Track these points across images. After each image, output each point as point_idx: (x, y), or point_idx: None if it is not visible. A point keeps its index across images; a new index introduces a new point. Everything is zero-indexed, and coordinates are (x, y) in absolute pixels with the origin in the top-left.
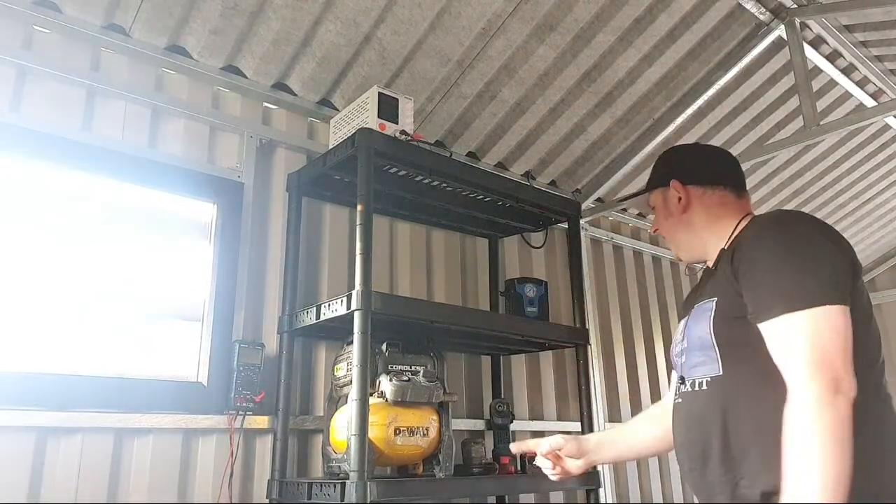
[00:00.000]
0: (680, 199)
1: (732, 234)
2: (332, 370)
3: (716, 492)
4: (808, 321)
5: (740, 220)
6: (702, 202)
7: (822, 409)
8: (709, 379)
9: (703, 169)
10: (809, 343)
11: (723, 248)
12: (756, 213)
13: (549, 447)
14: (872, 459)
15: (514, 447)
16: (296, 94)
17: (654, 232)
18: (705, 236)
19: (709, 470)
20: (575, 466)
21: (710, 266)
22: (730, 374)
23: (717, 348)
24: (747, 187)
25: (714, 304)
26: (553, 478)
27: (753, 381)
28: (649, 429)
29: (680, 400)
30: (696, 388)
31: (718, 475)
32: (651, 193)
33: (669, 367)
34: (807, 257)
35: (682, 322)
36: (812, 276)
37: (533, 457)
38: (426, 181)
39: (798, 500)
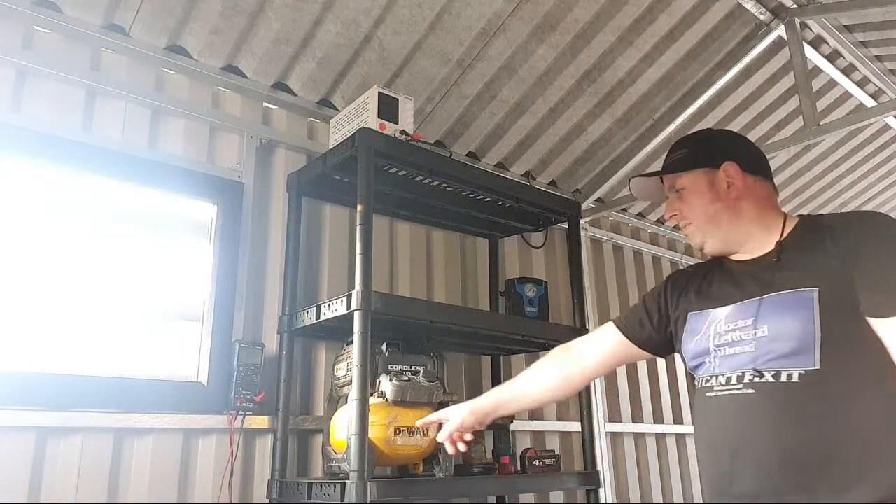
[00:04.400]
0: (730, 184)
1: (784, 229)
2: (332, 370)
3: (804, 496)
4: None
5: (785, 218)
6: (753, 192)
7: None
8: (802, 372)
9: (757, 159)
10: None
11: (780, 242)
12: None
13: (449, 432)
14: None
15: (420, 422)
16: (296, 94)
17: (671, 217)
18: (752, 228)
19: (789, 472)
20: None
21: (757, 258)
22: (828, 369)
23: (818, 340)
24: None
25: (816, 293)
26: (462, 449)
27: (862, 379)
28: (547, 378)
29: (752, 391)
30: (785, 380)
31: (812, 481)
32: (685, 174)
33: (673, 363)
34: None
35: (730, 311)
36: None
37: (533, 457)
38: (426, 181)
39: None
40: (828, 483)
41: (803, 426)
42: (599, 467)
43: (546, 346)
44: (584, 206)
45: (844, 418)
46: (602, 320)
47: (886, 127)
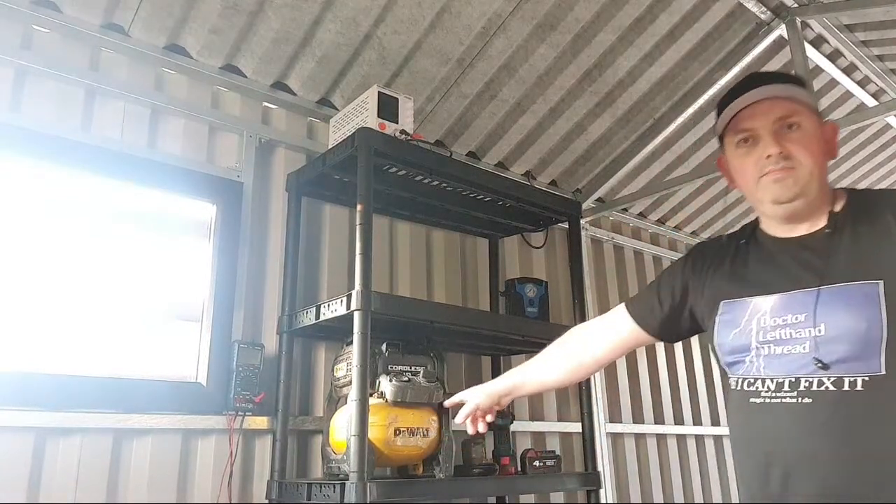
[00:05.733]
0: (832, 146)
1: (834, 205)
2: (332, 370)
3: None
4: None
5: (833, 192)
6: (830, 156)
7: None
8: (866, 378)
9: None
10: None
11: (831, 221)
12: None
13: (466, 414)
14: None
15: (447, 402)
16: (295, 94)
17: (775, 154)
18: (823, 198)
19: (855, 490)
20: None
21: (807, 236)
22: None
23: (884, 342)
24: None
25: (881, 288)
26: (482, 430)
27: None
28: (561, 364)
29: (809, 400)
30: (845, 389)
31: (870, 496)
32: (801, 109)
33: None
34: None
35: (774, 301)
36: None
37: (533, 457)
38: (426, 181)
39: None
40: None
41: (870, 441)
42: (600, 468)
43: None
44: (584, 206)
45: None
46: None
47: (887, 126)
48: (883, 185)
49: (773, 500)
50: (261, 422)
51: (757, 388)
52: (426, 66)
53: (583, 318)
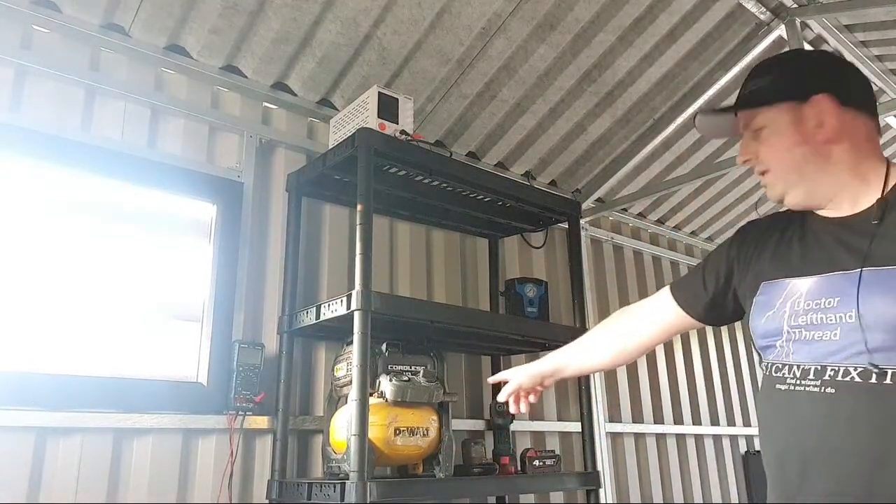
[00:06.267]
0: (821, 122)
1: (888, 181)
2: (332, 370)
3: None
4: None
5: (888, 167)
6: (850, 133)
7: None
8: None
9: (861, 88)
10: None
11: (881, 200)
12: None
13: (509, 393)
14: None
15: (491, 379)
16: (296, 94)
17: (744, 161)
18: (845, 178)
19: (879, 487)
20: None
21: (849, 217)
22: None
23: None
24: (743, 190)
25: None
26: (523, 410)
27: None
28: (605, 349)
29: (832, 390)
30: (875, 381)
31: (893, 496)
32: (763, 110)
33: (672, 363)
34: None
35: (815, 283)
36: None
37: (533, 457)
38: (426, 181)
39: None
40: None
41: (893, 436)
42: (599, 467)
43: (546, 347)
44: (584, 206)
45: None
46: (602, 320)
47: (887, 127)
48: None
49: (791, 492)
50: (261, 421)
51: (784, 374)
52: (426, 67)
53: (582, 318)
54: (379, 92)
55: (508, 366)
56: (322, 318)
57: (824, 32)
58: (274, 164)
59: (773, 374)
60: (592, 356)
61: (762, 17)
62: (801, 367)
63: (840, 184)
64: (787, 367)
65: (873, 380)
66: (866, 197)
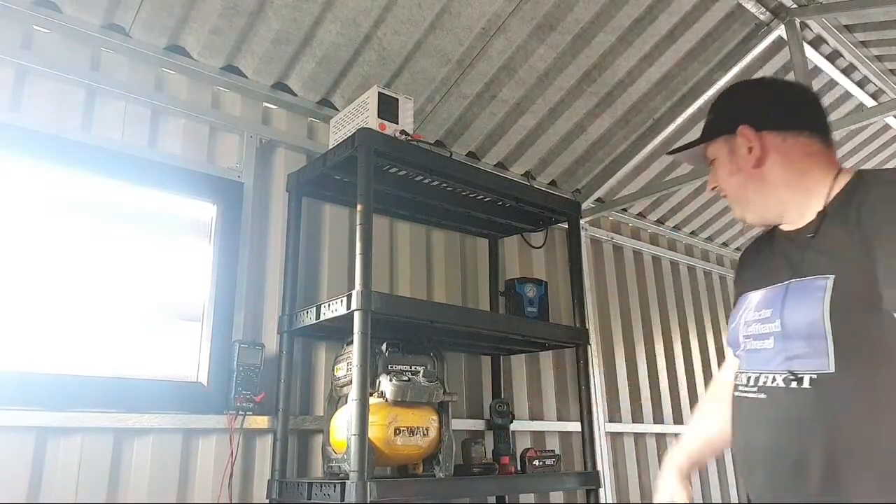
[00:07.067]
0: (751, 148)
1: (830, 192)
2: (332, 370)
3: None
4: None
5: (836, 175)
6: (780, 152)
7: None
8: (814, 376)
9: (780, 110)
10: None
11: (821, 211)
12: None
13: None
14: None
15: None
16: (296, 94)
17: (713, 190)
18: (785, 195)
19: (801, 485)
20: None
21: (801, 229)
22: (845, 373)
23: (831, 339)
24: None
25: (831, 282)
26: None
27: (876, 387)
28: (723, 426)
29: (762, 396)
30: (794, 385)
31: (816, 493)
32: (711, 143)
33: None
34: None
35: (759, 296)
36: None
37: (533, 457)
38: (426, 181)
39: None
40: (828, 496)
41: (806, 433)
42: (599, 467)
43: (546, 346)
44: (584, 206)
45: (852, 429)
46: (602, 320)
47: (886, 127)
48: None
49: (749, 484)
50: (261, 421)
51: (739, 381)
52: (426, 67)
53: (582, 318)
54: (379, 92)
55: (508, 365)
56: (322, 318)
57: (824, 32)
58: (274, 164)
59: (735, 381)
60: (717, 434)
61: (762, 17)
62: (747, 374)
63: (783, 201)
64: (741, 375)
65: (793, 385)
66: (812, 209)
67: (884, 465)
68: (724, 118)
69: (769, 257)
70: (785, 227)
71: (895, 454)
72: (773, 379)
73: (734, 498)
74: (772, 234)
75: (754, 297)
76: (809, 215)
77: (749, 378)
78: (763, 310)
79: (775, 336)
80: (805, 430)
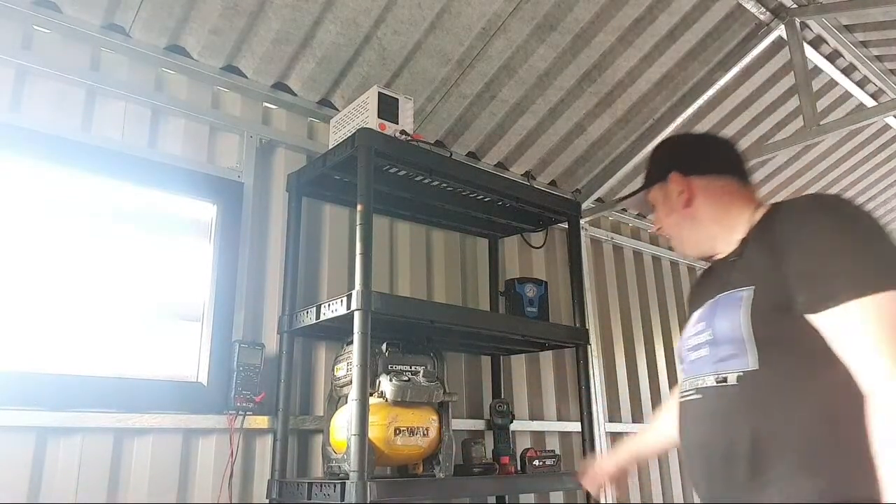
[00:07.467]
0: (681, 192)
1: (751, 223)
2: (332, 370)
3: (735, 496)
4: (881, 305)
5: (755, 209)
6: (706, 193)
7: None
8: (740, 374)
9: (703, 157)
10: (887, 331)
11: (744, 238)
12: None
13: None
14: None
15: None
16: (296, 94)
17: (657, 231)
18: (714, 230)
19: (730, 472)
20: None
21: (727, 256)
22: (766, 370)
23: (752, 341)
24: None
25: (750, 292)
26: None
27: (793, 379)
28: (664, 432)
29: (698, 396)
30: (723, 384)
31: (742, 480)
32: (650, 191)
33: (672, 364)
34: (866, 239)
35: (698, 313)
36: (875, 258)
37: (533, 457)
38: (426, 181)
39: None
40: (762, 482)
41: (732, 425)
42: None
43: (546, 346)
44: (584, 206)
45: (772, 419)
46: (602, 320)
47: (886, 127)
48: (882, 186)
49: (693, 481)
50: (261, 421)
51: (682, 388)
52: (426, 67)
53: (582, 318)
54: (379, 92)
55: (508, 365)
56: (322, 317)
57: (824, 32)
58: (274, 164)
59: (679, 389)
60: (659, 436)
61: (762, 17)
62: (688, 381)
63: (712, 234)
64: (684, 383)
65: (722, 383)
66: (737, 239)
67: (802, 449)
68: (659, 168)
69: (708, 281)
70: (718, 257)
71: (812, 440)
72: (707, 381)
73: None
74: (711, 264)
75: (695, 315)
76: (735, 244)
77: (689, 383)
78: (699, 324)
79: (708, 344)
80: (733, 423)
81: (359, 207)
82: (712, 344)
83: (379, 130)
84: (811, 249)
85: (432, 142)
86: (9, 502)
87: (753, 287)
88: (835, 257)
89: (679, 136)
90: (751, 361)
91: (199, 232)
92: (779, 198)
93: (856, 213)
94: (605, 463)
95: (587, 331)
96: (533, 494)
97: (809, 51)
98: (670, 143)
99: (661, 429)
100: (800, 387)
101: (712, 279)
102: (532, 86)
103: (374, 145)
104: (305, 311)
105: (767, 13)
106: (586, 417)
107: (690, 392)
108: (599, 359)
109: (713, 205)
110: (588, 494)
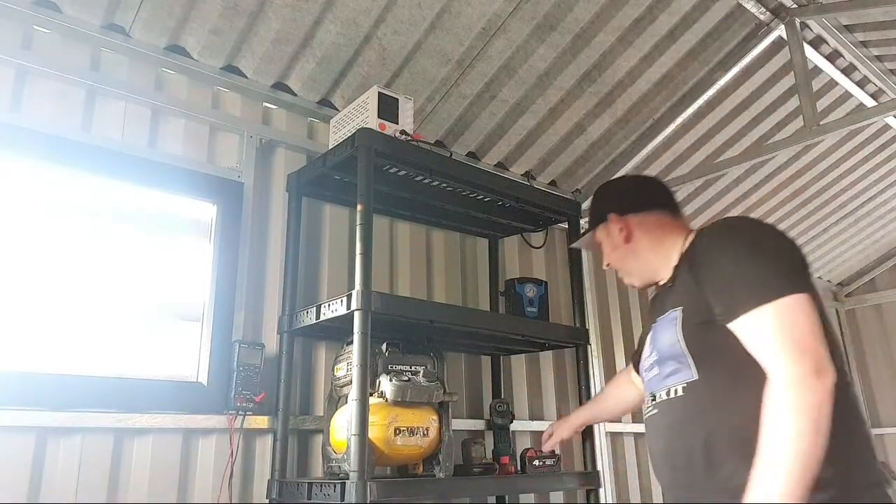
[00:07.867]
0: (621, 229)
1: (682, 250)
2: (332, 370)
3: (697, 496)
4: (780, 310)
5: (687, 237)
6: (642, 228)
7: (805, 391)
8: (685, 385)
9: (636, 197)
10: (785, 331)
11: (677, 265)
12: (758, 212)
13: (553, 445)
14: (838, 441)
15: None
16: (296, 94)
17: (607, 266)
18: (652, 259)
19: (692, 476)
20: None
21: (666, 283)
22: (706, 378)
23: (689, 355)
24: (743, 190)
25: (680, 312)
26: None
27: (729, 384)
28: (626, 393)
29: (655, 411)
30: (673, 396)
31: (703, 481)
32: (595, 232)
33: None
34: (765, 252)
35: (648, 337)
36: (774, 268)
37: (533, 457)
38: (426, 181)
39: (771, 473)
40: (719, 480)
41: (686, 432)
42: (599, 467)
43: (546, 346)
44: (584, 206)
45: (719, 420)
46: (602, 320)
47: (886, 127)
48: (882, 186)
49: (665, 491)
50: (261, 421)
51: (644, 406)
52: (426, 67)
53: (582, 318)
54: (379, 92)
55: (508, 365)
56: (322, 318)
57: (824, 32)
58: (274, 164)
59: (642, 407)
60: (617, 400)
61: (762, 17)
62: (647, 398)
63: (652, 264)
64: (645, 400)
65: (672, 395)
66: (672, 266)
67: (746, 444)
68: (599, 211)
69: (654, 307)
70: (661, 283)
71: (754, 434)
72: (659, 396)
73: None
74: (657, 291)
75: (647, 338)
76: (671, 270)
77: (648, 400)
78: (649, 346)
79: (657, 363)
80: (686, 431)
81: (359, 207)
82: (659, 363)
83: (379, 130)
84: (721, 266)
85: (432, 142)
86: (9, 502)
87: (682, 307)
88: (739, 271)
89: (614, 181)
90: (692, 373)
91: (199, 232)
92: (779, 197)
93: (758, 231)
94: (563, 424)
95: (587, 331)
96: (533, 494)
97: (809, 51)
98: (607, 187)
99: (611, 394)
100: (736, 387)
101: (656, 305)
102: (532, 86)
103: (374, 145)
104: (305, 311)
105: (767, 13)
106: None
107: (650, 408)
108: (599, 359)
109: (649, 237)
110: (588, 494)
